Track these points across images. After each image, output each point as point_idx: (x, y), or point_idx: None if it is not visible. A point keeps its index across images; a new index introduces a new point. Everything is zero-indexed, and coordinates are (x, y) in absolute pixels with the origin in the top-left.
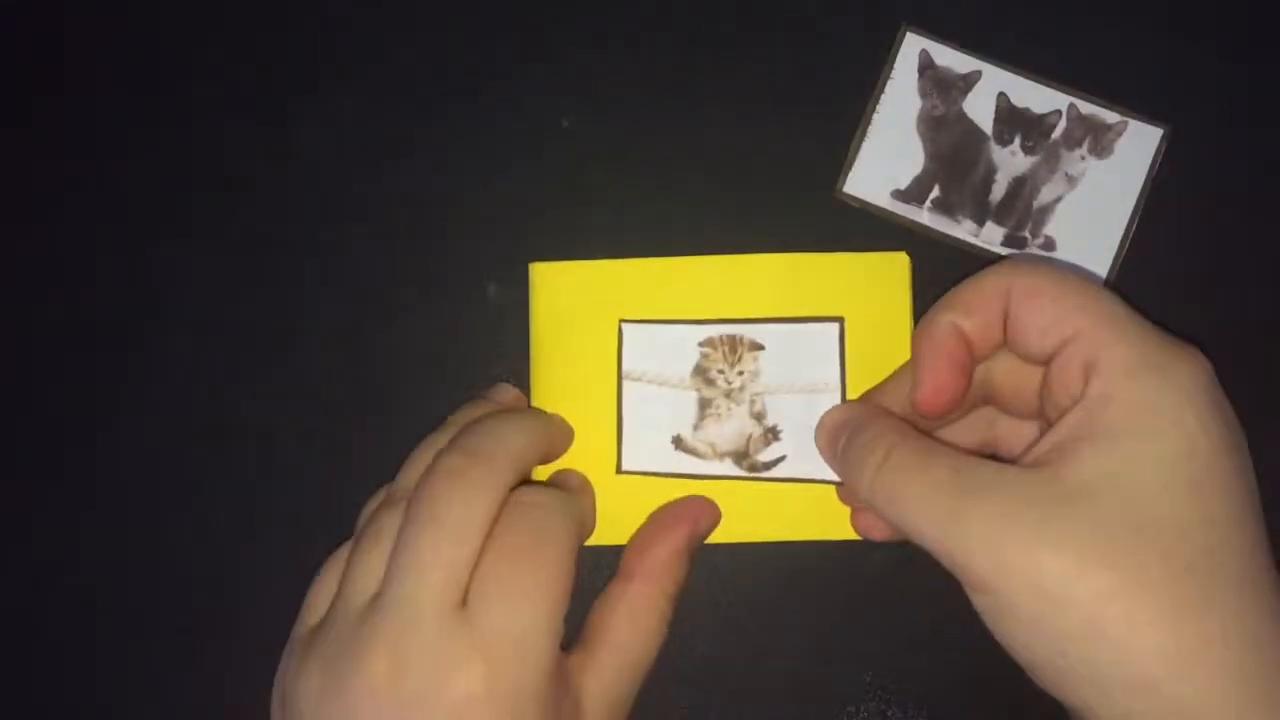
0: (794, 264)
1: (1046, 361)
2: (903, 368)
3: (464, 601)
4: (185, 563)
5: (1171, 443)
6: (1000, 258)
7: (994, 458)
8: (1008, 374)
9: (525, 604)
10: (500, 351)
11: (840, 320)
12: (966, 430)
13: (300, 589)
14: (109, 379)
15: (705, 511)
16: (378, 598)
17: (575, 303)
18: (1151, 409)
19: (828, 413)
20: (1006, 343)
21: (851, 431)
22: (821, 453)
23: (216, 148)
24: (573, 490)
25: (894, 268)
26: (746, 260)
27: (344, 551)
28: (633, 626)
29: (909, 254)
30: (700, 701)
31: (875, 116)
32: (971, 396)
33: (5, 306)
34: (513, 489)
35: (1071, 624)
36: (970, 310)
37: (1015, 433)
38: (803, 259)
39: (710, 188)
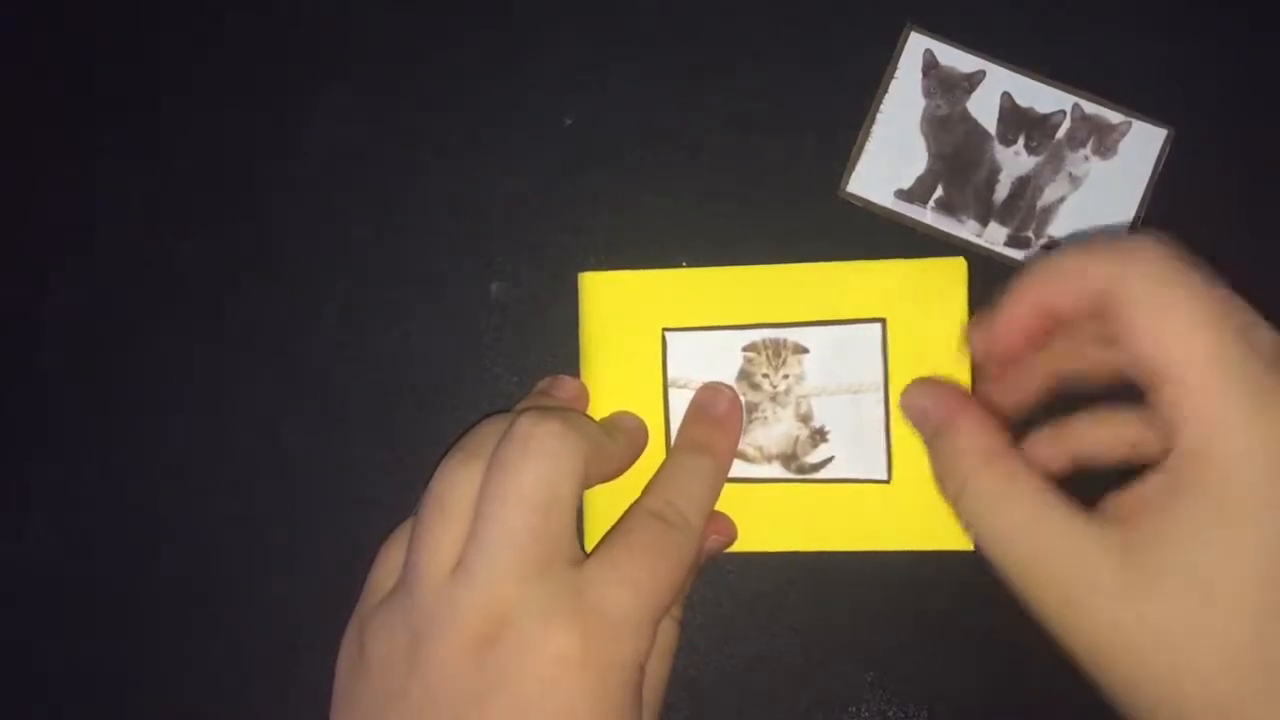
0: (845, 271)
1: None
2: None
3: (569, 562)
4: (188, 561)
5: (1265, 533)
6: (1002, 258)
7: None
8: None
9: (637, 596)
10: (502, 350)
11: (882, 321)
12: (1050, 442)
13: (302, 586)
14: (111, 376)
15: (716, 531)
16: (463, 568)
17: (621, 312)
18: (1248, 488)
19: (909, 387)
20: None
21: (934, 433)
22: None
23: (218, 147)
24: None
25: (951, 273)
26: (797, 269)
27: (403, 532)
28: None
29: (965, 259)
30: (700, 701)
31: (879, 116)
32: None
33: (9, 303)
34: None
35: (1140, 680)
36: (1070, 291)
37: (1105, 441)
38: (857, 266)
39: (713, 186)
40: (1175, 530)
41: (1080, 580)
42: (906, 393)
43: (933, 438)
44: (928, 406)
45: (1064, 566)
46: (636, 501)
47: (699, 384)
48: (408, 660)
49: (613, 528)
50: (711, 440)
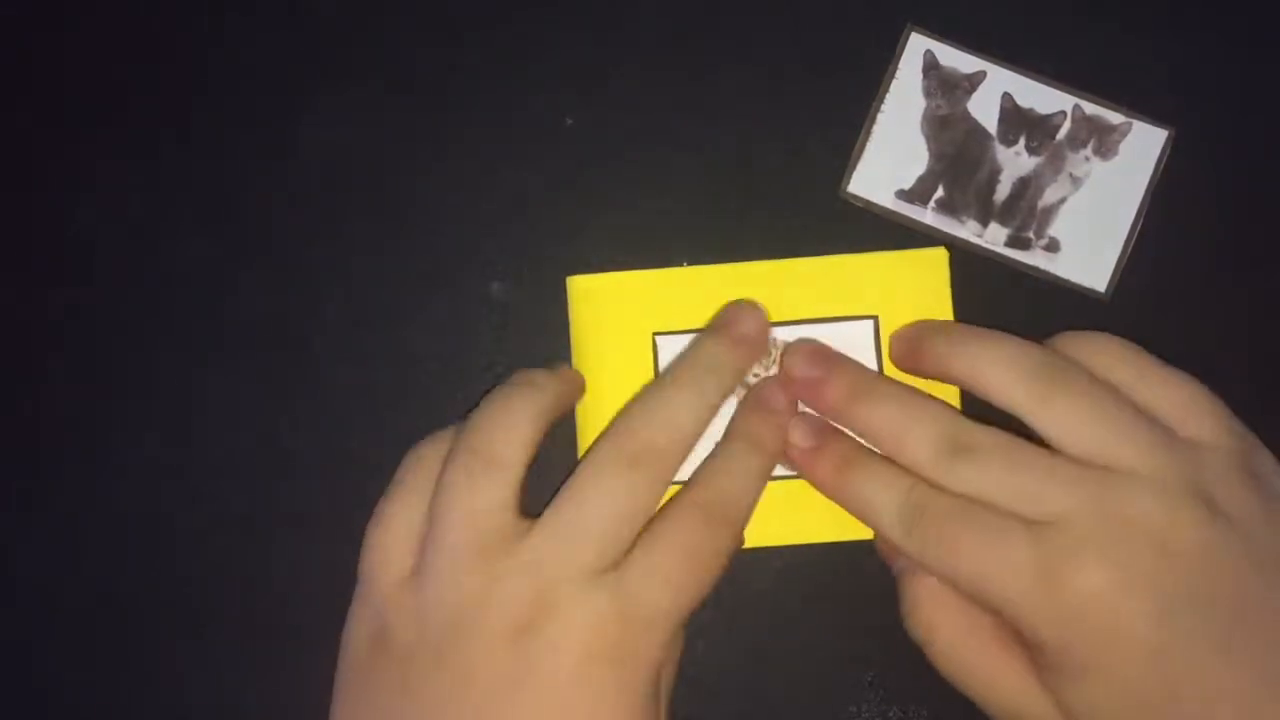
0: (830, 265)
1: None
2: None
3: (615, 564)
4: (188, 561)
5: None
6: (1003, 258)
7: None
8: None
9: (677, 594)
10: (503, 350)
11: (874, 319)
12: None
13: (303, 586)
14: (111, 376)
15: None
16: (512, 554)
17: (612, 315)
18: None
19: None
20: None
21: (899, 575)
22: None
23: (218, 147)
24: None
25: (932, 263)
26: (784, 265)
27: (394, 504)
28: None
29: (948, 251)
30: (700, 702)
31: (880, 116)
32: None
33: (9, 303)
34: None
35: None
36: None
37: None
38: (838, 260)
39: (713, 187)
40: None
41: None
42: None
43: (900, 576)
44: (891, 551)
45: (1020, 709)
46: (683, 492)
47: None
48: (438, 645)
49: (657, 515)
50: (766, 436)
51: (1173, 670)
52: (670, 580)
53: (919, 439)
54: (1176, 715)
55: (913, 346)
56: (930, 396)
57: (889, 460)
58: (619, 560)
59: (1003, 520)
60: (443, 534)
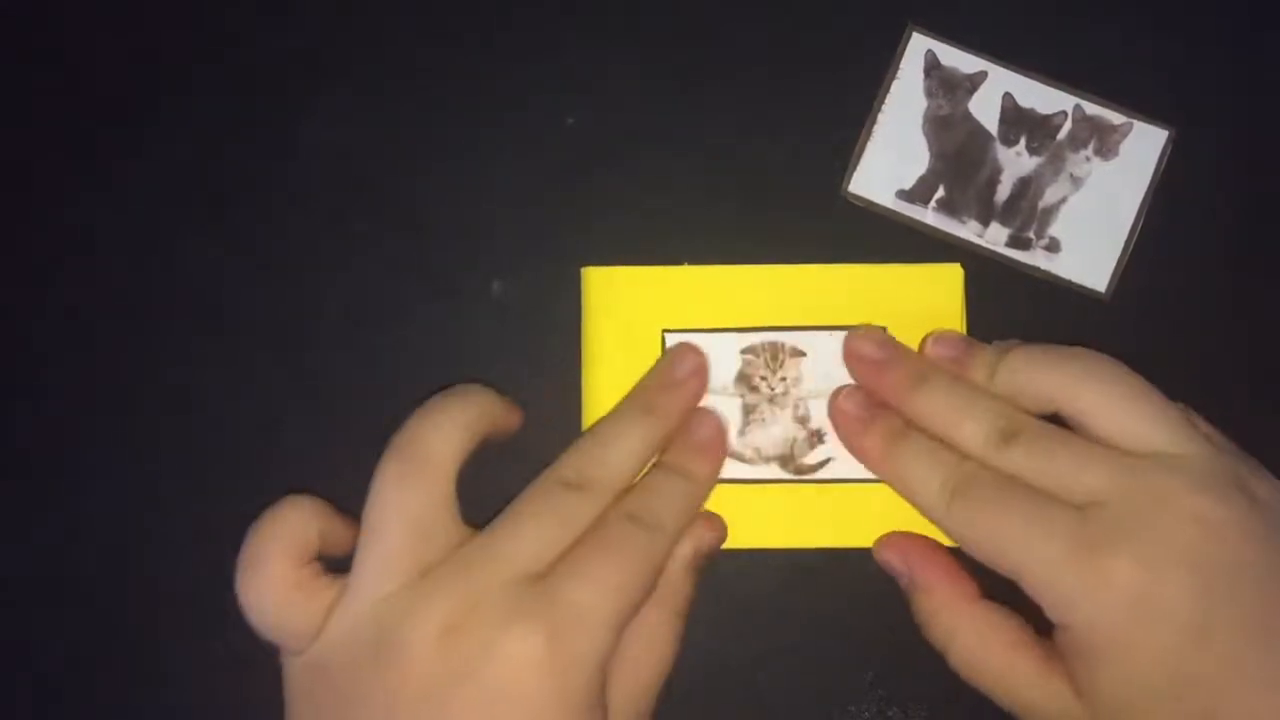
0: (845, 274)
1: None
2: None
3: (546, 572)
4: (187, 560)
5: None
6: (1003, 258)
7: None
8: None
9: (605, 592)
10: (504, 349)
11: (882, 330)
12: None
13: None
14: (112, 375)
15: (709, 528)
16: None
17: (624, 308)
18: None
19: (883, 540)
20: None
21: (912, 586)
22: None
23: (218, 145)
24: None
25: (947, 279)
26: (797, 270)
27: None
28: (646, 647)
29: (962, 265)
30: (700, 701)
31: (881, 116)
32: None
33: (10, 302)
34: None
35: None
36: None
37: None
38: (853, 269)
39: (714, 186)
40: (1100, 670)
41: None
42: (880, 546)
43: (911, 590)
44: (896, 564)
45: (1041, 711)
46: (615, 504)
47: None
48: (375, 648)
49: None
50: (692, 465)
51: (1212, 649)
52: (596, 579)
53: (974, 425)
54: (1204, 696)
55: (959, 357)
56: (981, 388)
57: (936, 439)
58: (550, 568)
59: (1047, 498)
60: (377, 539)
